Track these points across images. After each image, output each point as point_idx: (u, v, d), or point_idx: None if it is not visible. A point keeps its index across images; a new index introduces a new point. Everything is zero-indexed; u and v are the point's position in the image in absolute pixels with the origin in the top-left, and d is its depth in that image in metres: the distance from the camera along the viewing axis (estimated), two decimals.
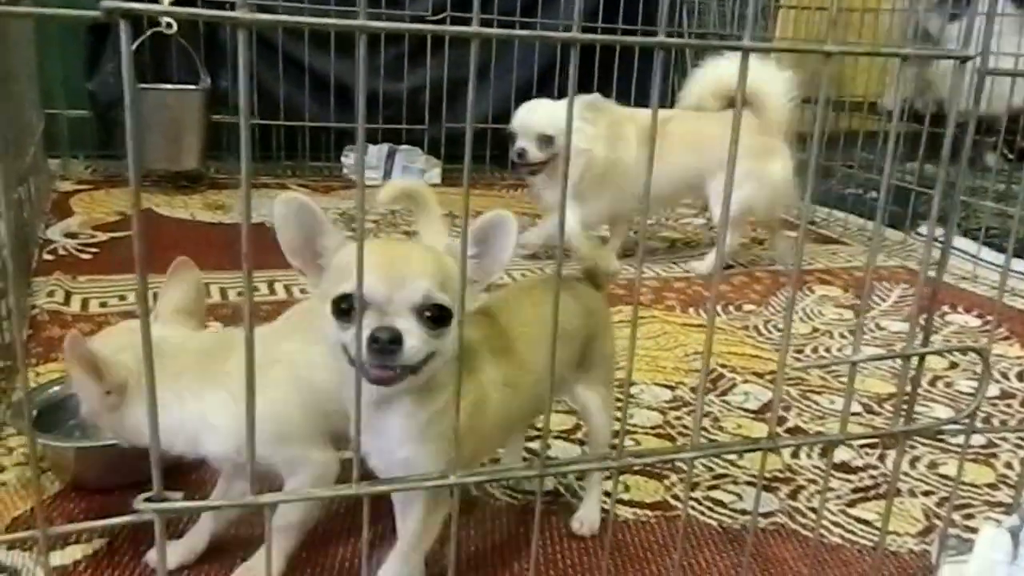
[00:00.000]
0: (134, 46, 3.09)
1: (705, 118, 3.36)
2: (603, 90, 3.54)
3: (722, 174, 3.05)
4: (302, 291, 2.70)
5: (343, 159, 4.63)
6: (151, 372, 0.83)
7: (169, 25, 3.87)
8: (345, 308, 1.10)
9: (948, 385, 2.34)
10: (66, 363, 1.34)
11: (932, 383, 2.35)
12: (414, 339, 1.09)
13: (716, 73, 3.43)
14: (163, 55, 4.10)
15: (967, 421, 1.35)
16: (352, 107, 4.51)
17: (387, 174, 4.51)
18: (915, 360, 1.27)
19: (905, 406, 1.29)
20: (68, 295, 2.60)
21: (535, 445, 1.88)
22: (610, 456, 1.02)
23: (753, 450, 1.17)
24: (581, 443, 1.91)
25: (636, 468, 1.78)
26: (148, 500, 0.81)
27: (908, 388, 1.29)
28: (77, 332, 1.28)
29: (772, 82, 3.30)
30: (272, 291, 2.77)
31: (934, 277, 1.25)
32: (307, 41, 4.50)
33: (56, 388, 1.80)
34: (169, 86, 4.03)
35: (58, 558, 1.46)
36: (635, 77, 4.68)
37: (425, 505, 1.27)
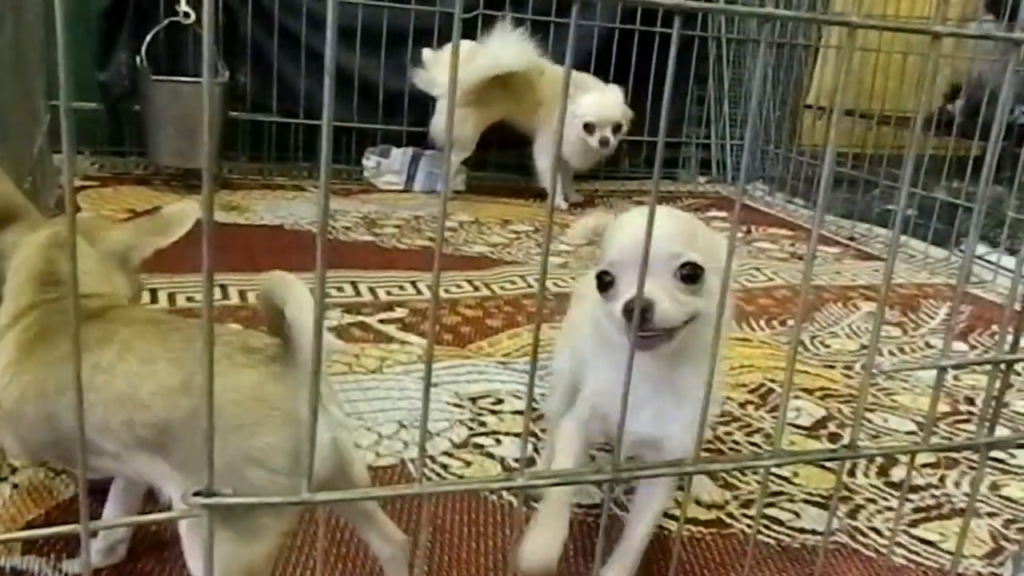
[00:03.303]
0: (149, 36, 3.01)
1: None
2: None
3: None
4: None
5: (364, 161, 4.49)
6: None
7: (187, 15, 3.77)
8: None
9: (1004, 405, 2.25)
10: None
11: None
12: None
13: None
14: (179, 46, 3.98)
15: None
16: (377, 107, 4.44)
17: (410, 179, 4.40)
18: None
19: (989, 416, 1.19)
20: None
21: None
22: (685, 461, 0.93)
23: (833, 459, 1.09)
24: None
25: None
26: (198, 494, 0.72)
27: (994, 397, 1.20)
28: None
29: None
30: None
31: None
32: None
33: None
34: (185, 79, 3.84)
35: (76, 565, 1.40)
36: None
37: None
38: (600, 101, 3.99)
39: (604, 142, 3.98)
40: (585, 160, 4.19)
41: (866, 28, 0.89)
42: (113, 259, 1.36)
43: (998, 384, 1.15)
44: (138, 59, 3.82)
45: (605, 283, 1.21)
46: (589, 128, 3.96)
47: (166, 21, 3.80)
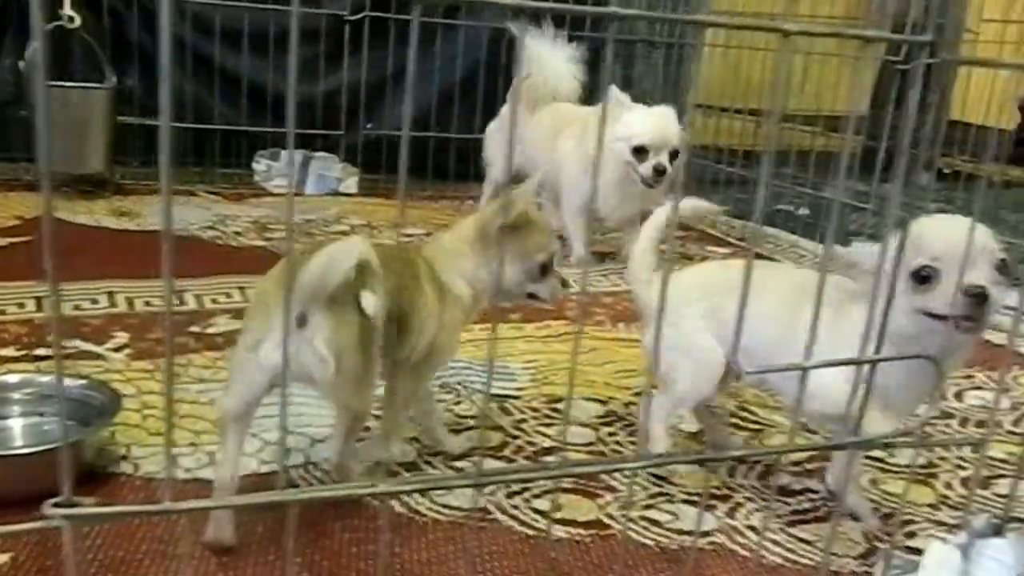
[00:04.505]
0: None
1: None
2: None
3: None
4: (213, 301, 2.64)
5: (255, 165, 4.42)
6: None
7: (71, 19, 3.68)
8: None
9: None
10: None
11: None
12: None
13: None
14: (66, 51, 3.89)
15: (918, 434, 1.29)
16: (266, 110, 4.39)
17: (301, 182, 4.33)
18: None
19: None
20: None
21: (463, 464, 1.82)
22: (550, 465, 0.94)
23: (697, 461, 1.10)
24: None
25: (568, 485, 1.71)
26: (57, 505, 0.72)
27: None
28: None
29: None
30: (182, 302, 2.64)
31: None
32: (218, 38, 4.31)
33: None
34: (71, 84, 3.77)
35: None
36: None
37: None
38: (652, 119, 3.17)
39: (660, 170, 3.10)
40: (623, 203, 3.33)
41: (716, 26, 0.91)
42: (478, 240, 1.70)
43: (863, 385, 1.17)
44: (22, 64, 3.75)
45: (924, 277, 1.40)
46: (640, 153, 3.12)
47: (51, 25, 3.73)
